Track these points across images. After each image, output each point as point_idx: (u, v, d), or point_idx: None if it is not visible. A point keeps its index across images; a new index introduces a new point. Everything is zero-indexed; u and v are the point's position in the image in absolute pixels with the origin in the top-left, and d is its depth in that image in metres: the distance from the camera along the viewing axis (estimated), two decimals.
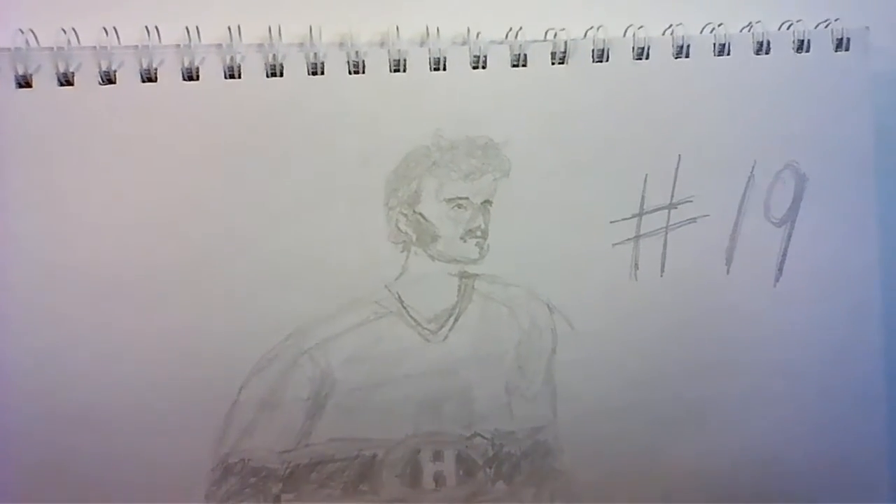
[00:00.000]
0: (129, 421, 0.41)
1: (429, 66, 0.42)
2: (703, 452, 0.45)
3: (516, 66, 0.43)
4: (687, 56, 0.44)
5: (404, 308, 0.43)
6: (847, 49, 0.44)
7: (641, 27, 0.43)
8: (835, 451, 0.46)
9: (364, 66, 0.42)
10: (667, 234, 0.45)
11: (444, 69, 0.42)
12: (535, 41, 0.43)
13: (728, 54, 0.44)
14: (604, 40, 0.43)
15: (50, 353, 0.40)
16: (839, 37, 0.44)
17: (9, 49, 0.39)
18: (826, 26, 0.45)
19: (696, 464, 0.45)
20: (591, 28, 0.43)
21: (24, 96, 0.39)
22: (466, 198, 0.43)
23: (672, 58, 0.44)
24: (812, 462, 0.46)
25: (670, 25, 0.44)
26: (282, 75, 0.41)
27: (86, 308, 0.41)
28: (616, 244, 0.44)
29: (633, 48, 0.44)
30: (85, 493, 0.41)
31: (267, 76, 0.41)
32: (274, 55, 0.41)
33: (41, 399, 0.41)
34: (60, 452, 0.41)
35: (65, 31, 0.39)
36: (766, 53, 0.44)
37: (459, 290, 0.44)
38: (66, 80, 0.39)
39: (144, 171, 0.41)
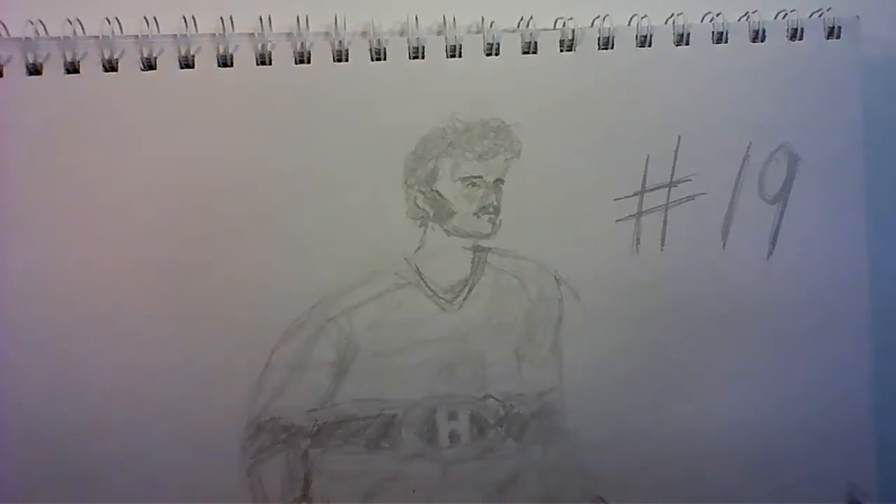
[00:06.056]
0: (166, 385, 0.42)
1: (445, 54, 0.43)
2: (697, 414, 0.45)
3: (527, 53, 0.43)
4: (687, 44, 0.44)
5: (422, 279, 0.44)
6: (838, 37, 0.45)
7: (645, 17, 0.44)
8: (820, 415, 0.46)
9: (385, 54, 0.43)
10: (667, 210, 0.45)
11: (460, 56, 0.43)
12: (545, 30, 0.44)
13: (726, 42, 0.44)
14: (609, 29, 0.44)
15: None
16: (831, 25, 0.45)
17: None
18: (819, 15, 0.45)
19: (691, 425, 0.45)
20: (598, 17, 0.44)
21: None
22: (480, 177, 0.44)
23: (673, 45, 0.44)
24: (799, 425, 0.46)
25: (672, 15, 0.44)
26: (309, 62, 0.42)
27: (125, 273, 0.42)
28: (619, 220, 0.45)
29: (637, 36, 0.44)
30: (121, 452, 0.42)
31: (295, 63, 0.42)
32: (302, 43, 0.42)
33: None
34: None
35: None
36: (762, 41, 0.45)
37: (473, 262, 0.44)
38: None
39: (171, 151, 0.42)
